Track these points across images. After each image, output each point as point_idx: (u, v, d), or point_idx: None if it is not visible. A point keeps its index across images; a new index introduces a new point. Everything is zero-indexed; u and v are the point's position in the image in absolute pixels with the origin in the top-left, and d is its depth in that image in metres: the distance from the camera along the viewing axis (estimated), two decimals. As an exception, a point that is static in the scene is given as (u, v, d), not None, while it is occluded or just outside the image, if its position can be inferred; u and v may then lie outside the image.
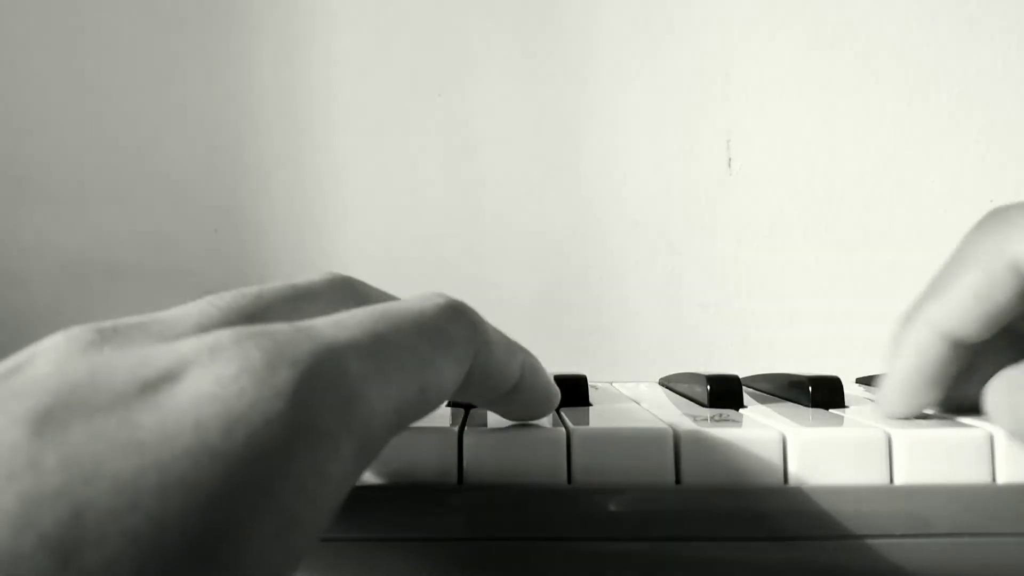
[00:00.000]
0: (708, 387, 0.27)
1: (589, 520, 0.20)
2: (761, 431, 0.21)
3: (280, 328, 0.13)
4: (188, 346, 0.12)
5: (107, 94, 0.59)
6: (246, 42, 0.59)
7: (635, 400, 0.30)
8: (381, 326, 0.14)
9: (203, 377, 0.12)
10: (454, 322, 0.16)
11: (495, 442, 0.21)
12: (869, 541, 0.20)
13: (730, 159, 0.58)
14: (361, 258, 0.58)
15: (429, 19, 0.59)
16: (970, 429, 0.22)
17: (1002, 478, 0.21)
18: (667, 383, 0.36)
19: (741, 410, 0.27)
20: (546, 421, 0.24)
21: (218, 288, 0.16)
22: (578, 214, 0.58)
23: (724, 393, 0.27)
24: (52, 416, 0.11)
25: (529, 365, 0.20)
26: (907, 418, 0.23)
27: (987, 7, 0.57)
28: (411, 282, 0.56)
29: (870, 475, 0.21)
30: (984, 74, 0.57)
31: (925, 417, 0.24)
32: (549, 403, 0.22)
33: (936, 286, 0.22)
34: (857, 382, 0.39)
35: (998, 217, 0.21)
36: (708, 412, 0.26)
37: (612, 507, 0.20)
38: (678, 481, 0.21)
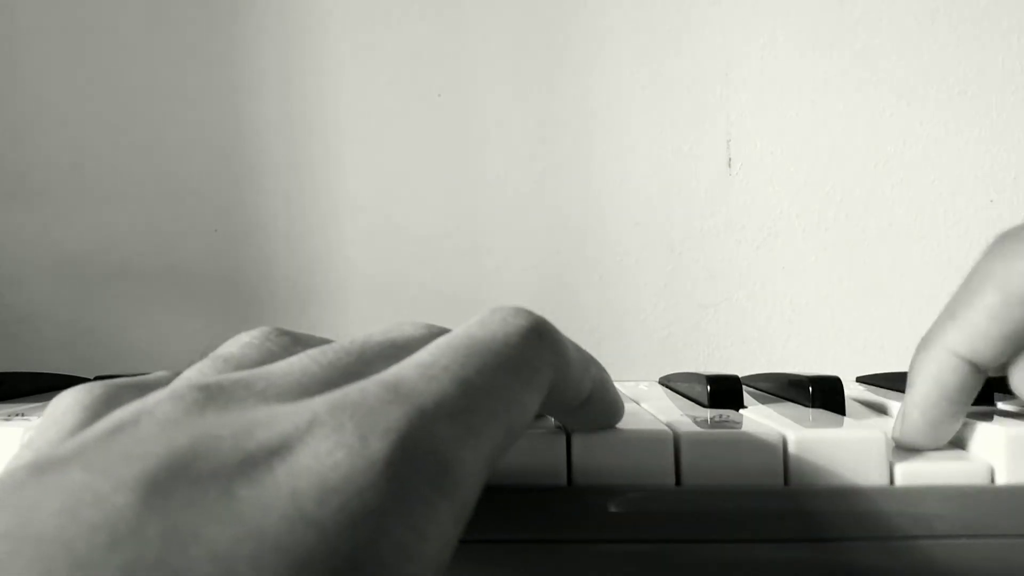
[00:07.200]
0: (708, 387, 0.27)
1: (589, 521, 0.20)
2: (761, 432, 0.21)
3: (371, 393, 0.13)
4: (286, 420, 0.13)
5: (107, 94, 0.59)
6: (247, 42, 0.59)
7: (635, 400, 0.30)
8: (469, 371, 0.14)
9: (300, 451, 0.12)
10: (538, 349, 0.16)
11: (495, 443, 0.21)
12: (869, 542, 0.20)
13: (730, 159, 0.58)
14: (361, 258, 0.58)
15: (429, 19, 0.59)
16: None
17: (1001, 479, 0.21)
18: (667, 383, 0.36)
19: (741, 410, 0.27)
20: (546, 421, 0.24)
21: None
22: (578, 214, 0.58)
23: (724, 393, 0.27)
24: (157, 484, 0.11)
25: (599, 380, 0.20)
26: (933, 449, 0.22)
27: (987, 7, 0.57)
28: (411, 282, 0.56)
29: (870, 476, 0.21)
30: (984, 74, 0.57)
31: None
32: (614, 417, 0.21)
33: (952, 310, 0.22)
34: (857, 381, 0.39)
35: (1010, 238, 0.21)
36: (708, 412, 0.26)
37: (612, 508, 0.20)
38: (678, 482, 0.21)
